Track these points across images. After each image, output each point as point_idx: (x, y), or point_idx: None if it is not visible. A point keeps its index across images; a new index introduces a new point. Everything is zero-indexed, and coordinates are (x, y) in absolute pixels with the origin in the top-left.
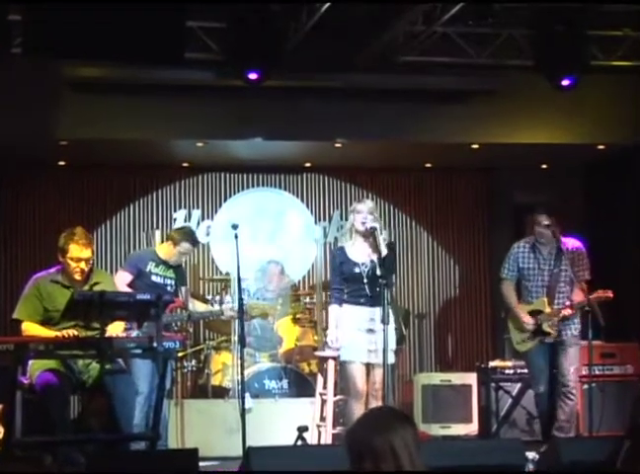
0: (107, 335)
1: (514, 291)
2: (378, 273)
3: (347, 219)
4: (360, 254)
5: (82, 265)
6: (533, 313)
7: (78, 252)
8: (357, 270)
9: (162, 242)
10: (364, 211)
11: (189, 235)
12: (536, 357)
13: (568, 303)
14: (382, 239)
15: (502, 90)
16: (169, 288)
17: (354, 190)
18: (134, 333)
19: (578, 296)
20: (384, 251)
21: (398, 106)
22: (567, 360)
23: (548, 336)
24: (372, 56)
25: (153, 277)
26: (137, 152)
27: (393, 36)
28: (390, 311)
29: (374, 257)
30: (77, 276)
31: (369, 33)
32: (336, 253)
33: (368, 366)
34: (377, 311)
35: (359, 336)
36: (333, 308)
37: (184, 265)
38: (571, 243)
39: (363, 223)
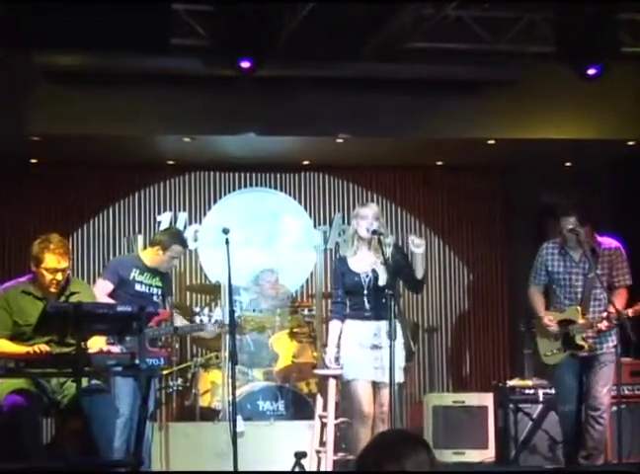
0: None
1: (541, 297)
2: (381, 283)
3: (349, 223)
4: (363, 263)
5: (58, 276)
6: (564, 323)
7: (54, 263)
8: (357, 279)
9: (145, 247)
10: (370, 216)
11: (177, 236)
12: (565, 373)
13: (605, 315)
14: (388, 245)
15: (521, 80)
16: (155, 298)
17: (357, 190)
18: (118, 348)
19: (617, 304)
20: (390, 259)
21: (406, 97)
22: (600, 380)
23: (581, 350)
24: (378, 43)
25: (137, 286)
26: (118, 149)
27: (400, 20)
28: (397, 325)
29: (378, 266)
30: (52, 289)
31: (374, 17)
32: (337, 263)
33: (374, 386)
34: (383, 325)
35: (363, 353)
36: (334, 324)
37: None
38: (607, 243)
39: (368, 229)
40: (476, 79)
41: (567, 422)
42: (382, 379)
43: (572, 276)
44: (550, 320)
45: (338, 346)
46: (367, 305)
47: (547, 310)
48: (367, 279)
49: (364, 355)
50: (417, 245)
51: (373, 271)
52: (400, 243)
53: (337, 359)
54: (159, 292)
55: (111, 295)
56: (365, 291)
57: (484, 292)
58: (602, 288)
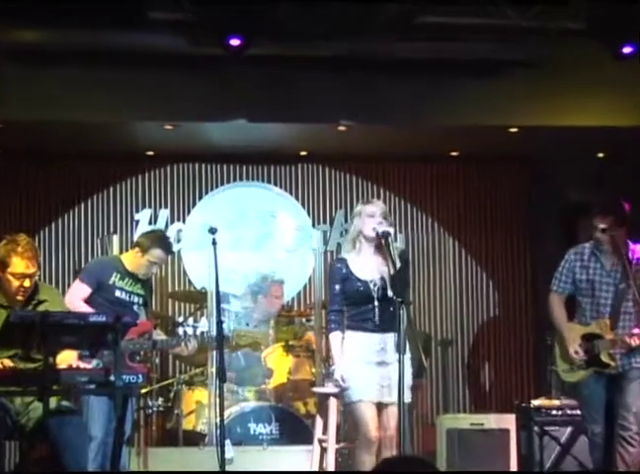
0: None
1: (563, 307)
2: (390, 292)
3: (352, 222)
4: (369, 268)
5: (26, 283)
6: (589, 338)
7: (22, 267)
8: (363, 288)
9: (121, 251)
10: (377, 215)
11: (161, 240)
12: (590, 390)
13: (637, 331)
14: (396, 248)
15: (548, 60)
16: (135, 308)
17: (361, 184)
18: (94, 363)
19: None
20: (398, 263)
21: (417, 79)
22: (630, 397)
23: (606, 367)
24: (385, 19)
25: (117, 293)
26: (89, 138)
27: None
28: (406, 337)
29: (385, 272)
30: (19, 297)
31: None
32: (335, 266)
33: (380, 407)
34: (390, 338)
35: (367, 370)
36: (335, 336)
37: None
38: (639, 251)
39: (376, 230)
40: (497, 59)
41: (596, 445)
42: (389, 399)
43: (602, 286)
44: (577, 352)
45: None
46: (376, 317)
47: (570, 322)
48: (376, 289)
49: (369, 372)
50: None
51: (382, 279)
52: (409, 246)
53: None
54: (140, 301)
55: (87, 301)
56: (376, 303)
57: (505, 300)
58: (635, 301)
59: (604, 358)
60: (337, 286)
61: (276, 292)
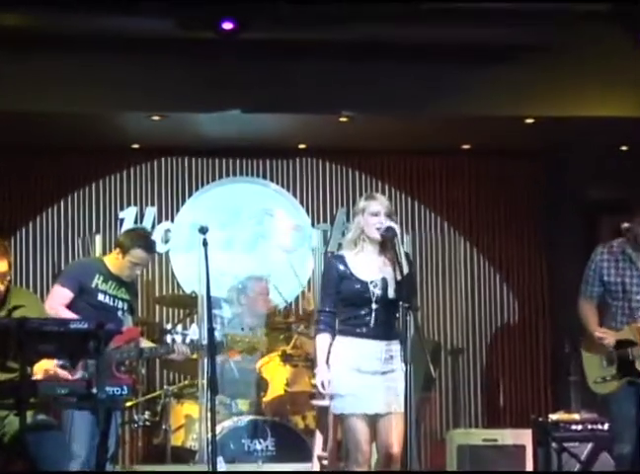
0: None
1: (594, 313)
2: (390, 295)
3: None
4: (370, 269)
5: None
6: (621, 344)
7: None
8: (361, 289)
9: (105, 252)
10: (381, 212)
11: (142, 239)
12: (623, 404)
13: None
14: (402, 248)
15: (567, 46)
16: (119, 313)
17: (364, 180)
18: (78, 374)
19: None
20: (405, 266)
21: (425, 66)
22: None
23: None
24: (390, 1)
25: (100, 296)
26: (70, 129)
27: None
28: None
29: (389, 273)
30: None
31: None
32: (332, 263)
33: (376, 418)
34: (393, 346)
35: (360, 380)
36: (322, 338)
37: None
38: None
39: (380, 229)
40: (513, 44)
41: (625, 465)
42: (386, 409)
43: (632, 288)
44: (604, 332)
45: (329, 365)
46: (373, 322)
47: (601, 328)
48: (376, 290)
49: (363, 382)
50: None
51: (383, 279)
52: (416, 246)
53: (330, 381)
54: (125, 306)
55: (69, 306)
56: (374, 306)
57: (520, 305)
58: None
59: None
60: (331, 286)
61: (260, 290)
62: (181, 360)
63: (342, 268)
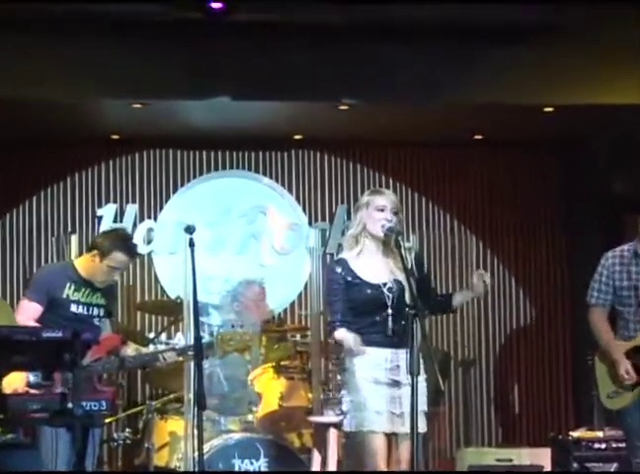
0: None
1: (606, 323)
2: (408, 300)
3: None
4: (379, 269)
5: None
6: (634, 353)
7: None
8: (374, 294)
9: (81, 253)
10: (388, 208)
11: (122, 240)
12: (633, 417)
13: None
14: (408, 249)
15: (591, 27)
16: (96, 321)
17: (366, 174)
18: (59, 389)
19: None
20: (413, 266)
21: (432, 49)
22: None
23: None
24: None
25: (73, 307)
26: (42, 119)
27: None
28: (420, 355)
29: (400, 275)
30: None
31: None
32: (334, 273)
33: (390, 438)
34: (403, 355)
35: (379, 392)
36: (342, 332)
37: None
38: None
39: (384, 226)
40: (530, 24)
41: None
42: (401, 429)
43: None
44: (627, 372)
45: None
46: (389, 329)
47: (614, 338)
48: (391, 295)
49: (381, 394)
50: (485, 285)
51: (397, 282)
52: (425, 245)
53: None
54: (101, 313)
55: (39, 320)
56: (390, 311)
57: (538, 312)
58: None
59: None
60: (338, 293)
61: (255, 296)
62: (168, 366)
63: (345, 275)
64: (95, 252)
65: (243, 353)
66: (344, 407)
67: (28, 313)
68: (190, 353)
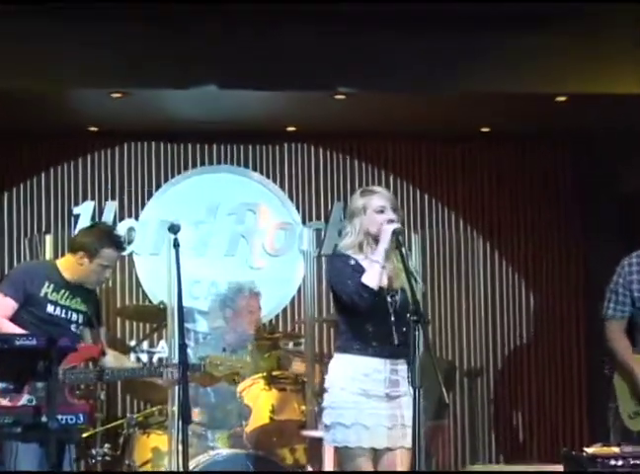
0: None
1: (625, 338)
2: (411, 307)
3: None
4: (383, 274)
5: None
6: None
7: None
8: (377, 298)
9: (56, 254)
10: (387, 207)
11: (108, 235)
12: None
13: None
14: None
15: (606, 12)
16: (74, 327)
17: (364, 169)
18: (24, 399)
19: None
20: (416, 274)
21: (435, 35)
22: None
23: None
24: None
25: (49, 307)
26: (14, 110)
27: None
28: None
29: (406, 281)
30: None
31: None
32: (340, 260)
33: (382, 452)
34: (400, 366)
35: (373, 406)
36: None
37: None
38: None
39: (389, 229)
40: (539, 11)
41: None
42: (401, 444)
43: None
44: None
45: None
46: (395, 339)
47: (634, 352)
48: (394, 302)
49: (375, 408)
50: None
51: (402, 291)
52: (428, 246)
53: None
54: (80, 319)
55: (12, 319)
56: (393, 319)
57: (550, 318)
58: None
59: None
60: (353, 278)
61: (250, 306)
62: (165, 386)
63: (353, 263)
64: (81, 253)
65: (232, 381)
66: (325, 419)
67: (1, 310)
68: (171, 373)
